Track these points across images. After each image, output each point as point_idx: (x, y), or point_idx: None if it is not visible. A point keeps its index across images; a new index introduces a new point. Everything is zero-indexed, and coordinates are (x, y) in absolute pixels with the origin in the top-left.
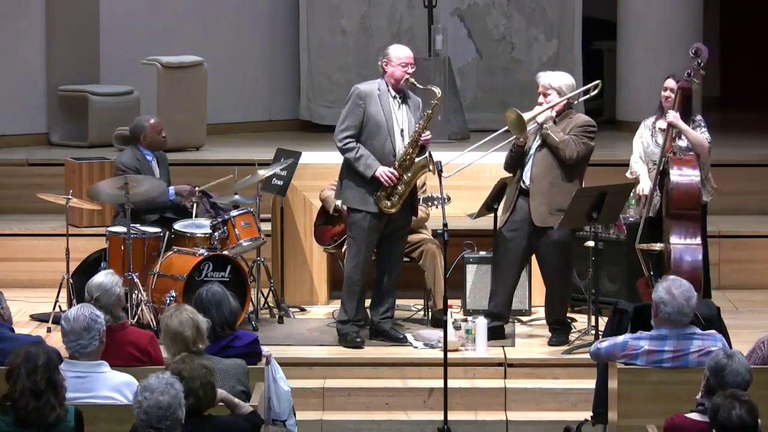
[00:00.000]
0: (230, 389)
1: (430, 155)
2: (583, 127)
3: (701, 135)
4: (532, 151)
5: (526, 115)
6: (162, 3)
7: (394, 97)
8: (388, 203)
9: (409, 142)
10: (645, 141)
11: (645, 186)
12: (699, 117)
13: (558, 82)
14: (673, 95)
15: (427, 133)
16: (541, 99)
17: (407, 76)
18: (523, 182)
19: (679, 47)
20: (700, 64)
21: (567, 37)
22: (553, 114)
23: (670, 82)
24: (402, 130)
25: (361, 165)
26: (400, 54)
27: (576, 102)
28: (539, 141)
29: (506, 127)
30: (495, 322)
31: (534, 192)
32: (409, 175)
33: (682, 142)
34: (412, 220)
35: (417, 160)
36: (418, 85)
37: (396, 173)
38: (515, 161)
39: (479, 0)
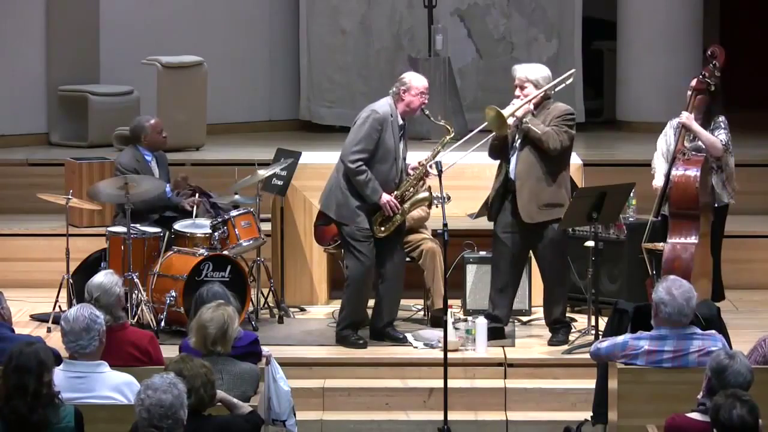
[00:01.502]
0: (242, 394)
1: (430, 191)
2: (562, 116)
3: (716, 137)
4: (516, 147)
5: (506, 111)
6: (162, 3)
7: (400, 125)
8: (382, 229)
9: (415, 176)
10: (668, 140)
11: (657, 182)
12: (721, 118)
13: (534, 75)
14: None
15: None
16: (517, 92)
17: (423, 106)
18: (509, 178)
19: (679, 47)
20: (716, 65)
21: (567, 37)
22: (532, 107)
23: (694, 82)
24: (404, 159)
25: (368, 189)
26: (419, 84)
27: (554, 92)
28: (521, 137)
29: (479, 128)
30: (495, 323)
31: (521, 189)
32: (407, 206)
33: (700, 143)
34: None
35: (418, 193)
36: (432, 119)
37: (398, 204)
38: (499, 149)
39: (479, 0)
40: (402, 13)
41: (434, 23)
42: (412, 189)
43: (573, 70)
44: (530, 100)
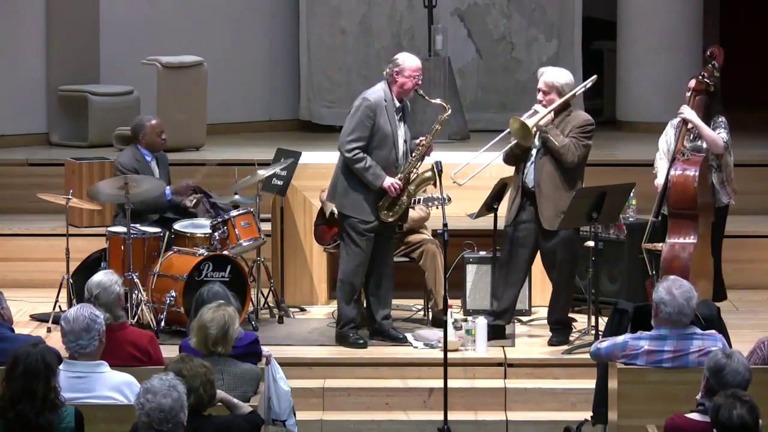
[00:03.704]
0: (242, 394)
1: (433, 169)
2: (582, 127)
3: (717, 134)
4: (533, 155)
5: (530, 122)
6: (162, 3)
7: (397, 108)
8: (390, 213)
9: (416, 156)
10: (669, 140)
11: (660, 179)
12: (721, 119)
13: (560, 81)
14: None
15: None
16: (540, 96)
17: (417, 86)
18: (527, 184)
19: (679, 47)
20: (715, 66)
21: (567, 37)
22: (552, 116)
23: (692, 83)
24: (405, 140)
25: (369, 175)
26: (412, 64)
27: (576, 94)
28: (540, 145)
29: (507, 130)
30: (497, 321)
31: (540, 197)
32: (412, 187)
33: (700, 143)
34: (403, 221)
35: (421, 172)
36: (426, 98)
37: (401, 185)
38: (517, 158)
39: (479, 0)
40: (402, 13)
41: (434, 23)
42: (415, 170)
43: (594, 77)
44: (553, 109)
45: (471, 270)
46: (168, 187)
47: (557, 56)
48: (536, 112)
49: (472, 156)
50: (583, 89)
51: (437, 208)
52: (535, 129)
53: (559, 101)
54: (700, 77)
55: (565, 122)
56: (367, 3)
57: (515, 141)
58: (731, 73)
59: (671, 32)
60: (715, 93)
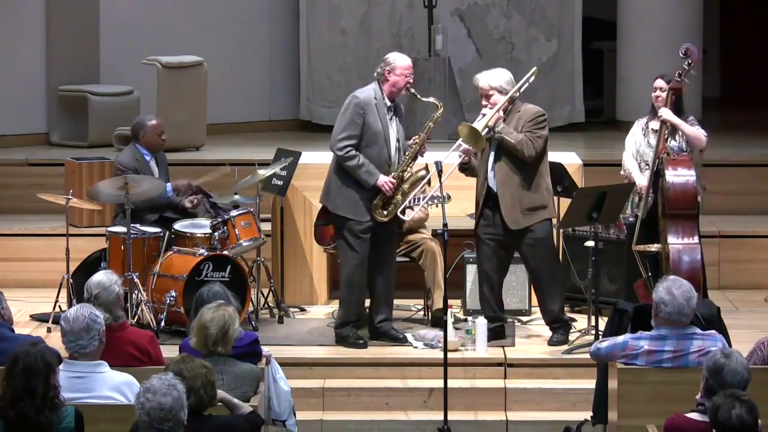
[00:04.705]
0: (242, 394)
1: (427, 167)
2: (534, 119)
3: (698, 130)
4: (491, 158)
5: (478, 126)
6: (162, 3)
7: (389, 107)
8: (384, 212)
9: (409, 154)
10: (637, 141)
11: (641, 181)
12: (691, 117)
13: (498, 81)
14: (663, 95)
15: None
16: (484, 102)
17: (409, 85)
18: (491, 189)
19: (679, 47)
20: (690, 64)
21: (567, 37)
22: (502, 114)
23: (660, 82)
24: (398, 139)
25: (362, 173)
26: (404, 63)
27: (521, 89)
28: (495, 147)
29: (460, 140)
30: (494, 324)
31: (503, 198)
32: (406, 186)
33: (675, 143)
34: (403, 222)
35: (415, 170)
36: (419, 96)
37: (395, 183)
38: (465, 168)
39: (479, 0)
40: (402, 13)
41: (434, 23)
42: (408, 168)
43: (534, 69)
44: (499, 108)
45: (471, 270)
46: (169, 184)
47: (557, 56)
48: (484, 116)
49: (451, 149)
50: (527, 84)
51: (437, 206)
52: (486, 131)
53: (503, 99)
54: (677, 75)
55: (515, 118)
56: (367, 3)
57: (462, 147)
58: (731, 73)
59: (671, 32)
60: (683, 91)
